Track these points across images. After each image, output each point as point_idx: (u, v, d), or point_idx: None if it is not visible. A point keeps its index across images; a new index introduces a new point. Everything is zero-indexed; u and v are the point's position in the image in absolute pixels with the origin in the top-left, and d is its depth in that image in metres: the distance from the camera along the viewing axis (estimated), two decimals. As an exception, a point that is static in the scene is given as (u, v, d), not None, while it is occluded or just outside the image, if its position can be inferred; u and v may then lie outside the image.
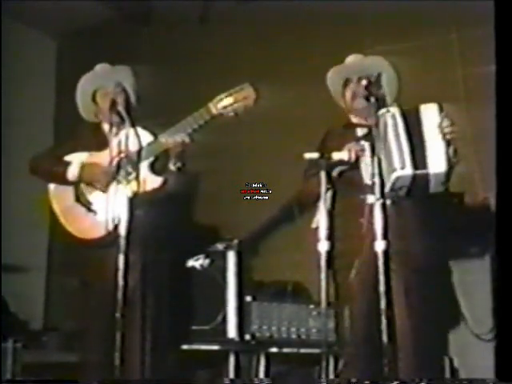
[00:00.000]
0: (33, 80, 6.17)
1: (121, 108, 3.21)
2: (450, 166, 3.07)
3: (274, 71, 5.35)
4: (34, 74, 6.21)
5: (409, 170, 3.04)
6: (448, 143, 3.08)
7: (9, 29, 5.46)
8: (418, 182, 3.09)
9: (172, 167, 3.37)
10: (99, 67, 3.66)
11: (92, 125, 3.64)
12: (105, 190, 3.40)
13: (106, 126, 3.54)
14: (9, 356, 4.16)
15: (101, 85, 3.57)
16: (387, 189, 3.04)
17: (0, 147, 5.43)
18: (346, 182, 3.26)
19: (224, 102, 3.30)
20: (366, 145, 3.12)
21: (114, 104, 3.27)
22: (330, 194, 3.20)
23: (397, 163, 3.03)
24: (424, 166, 3.06)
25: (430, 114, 3.12)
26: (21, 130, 5.70)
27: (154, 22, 6.21)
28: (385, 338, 2.79)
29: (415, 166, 3.04)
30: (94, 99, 3.62)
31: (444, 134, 3.06)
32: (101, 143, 3.49)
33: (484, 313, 3.83)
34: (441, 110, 3.12)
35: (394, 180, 3.04)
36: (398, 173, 3.04)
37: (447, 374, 3.97)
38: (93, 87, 3.60)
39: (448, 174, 3.09)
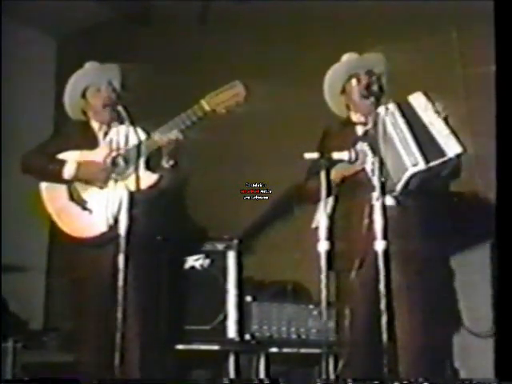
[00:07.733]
0: (33, 79, 6.17)
1: (120, 107, 3.21)
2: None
3: (273, 71, 5.35)
4: (33, 74, 6.21)
5: (422, 165, 3.02)
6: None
7: (9, 29, 5.46)
8: (432, 173, 3.07)
9: (165, 165, 3.36)
10: (89, 65, 3.65)
11: (79, 123, 3.63)
12: (103, 186, 3.39)
13: (95, 124, 3.54)
14: (9, 356, 4.16)
15: (91, 82, 3.56)
16: (399, 187, 3.04)
17: (0, 147, 5.43)
18: (354, 183, 3.24)
19: (216, 99, 3.30)
20: (365, 145, 3.12)
21: (112, 102, 3.27)
22: (331, 196, 3.20)
23: (407, 161, 3.01)
24: (436, 156, 3.03)
25: (421, 103, 3.12)
26: (21, 129, 5.70)
27: (153, 21, 6.21)
28: (385, 337, 2.79)
29: (426, 159, 3.02)
30: (83, 97, 3.59)
31: (444, 118, 3.06)
32: (90, 141, 3.49)
33: (484, 312, 3.82)
34: (427, 95, 3.12)
35: (408, 178, 3.02)
36: (412, 170, 3.02)
37: (447, 375, 3.96)
38: (83, 85, 3.58)
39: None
